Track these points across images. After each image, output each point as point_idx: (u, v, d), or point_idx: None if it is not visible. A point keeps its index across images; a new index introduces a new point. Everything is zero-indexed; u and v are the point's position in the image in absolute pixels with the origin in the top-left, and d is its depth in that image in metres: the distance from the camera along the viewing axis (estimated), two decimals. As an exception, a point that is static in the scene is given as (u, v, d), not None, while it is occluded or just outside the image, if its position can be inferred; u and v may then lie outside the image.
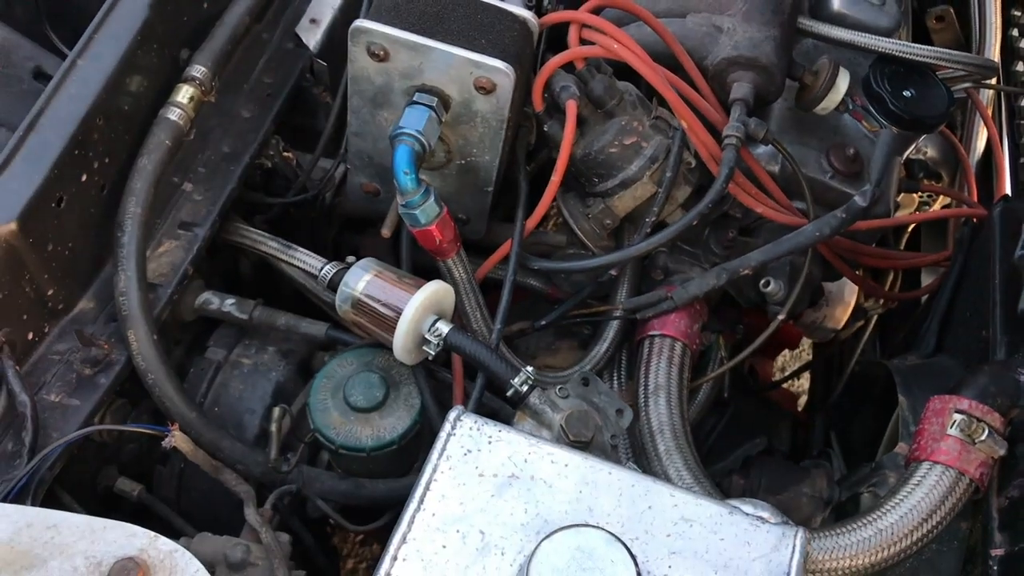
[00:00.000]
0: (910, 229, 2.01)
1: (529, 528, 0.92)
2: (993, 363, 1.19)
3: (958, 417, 1.11)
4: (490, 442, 0.98)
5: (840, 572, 1.08)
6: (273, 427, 1.17)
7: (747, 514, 0.96)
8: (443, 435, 0.98)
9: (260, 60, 1.41)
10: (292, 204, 1.44)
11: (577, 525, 0.90)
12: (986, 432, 1.10)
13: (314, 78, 1.44)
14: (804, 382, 2.10)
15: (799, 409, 1.95)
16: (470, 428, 0.99)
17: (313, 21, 1.45)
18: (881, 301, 1.88)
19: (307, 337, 1.32)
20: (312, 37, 1.44)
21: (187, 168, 1.28)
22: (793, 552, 0.93)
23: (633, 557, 0.87)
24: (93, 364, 1.10)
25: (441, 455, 0.97)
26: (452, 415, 0.99)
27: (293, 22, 1.45)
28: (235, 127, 1.34)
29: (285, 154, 1.40)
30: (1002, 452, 1.10)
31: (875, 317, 1.93)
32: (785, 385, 2.02)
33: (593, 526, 0.90)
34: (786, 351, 2.10)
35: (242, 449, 1.16)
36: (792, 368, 2.03)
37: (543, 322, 1.40)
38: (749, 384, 1.83)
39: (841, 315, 1.90)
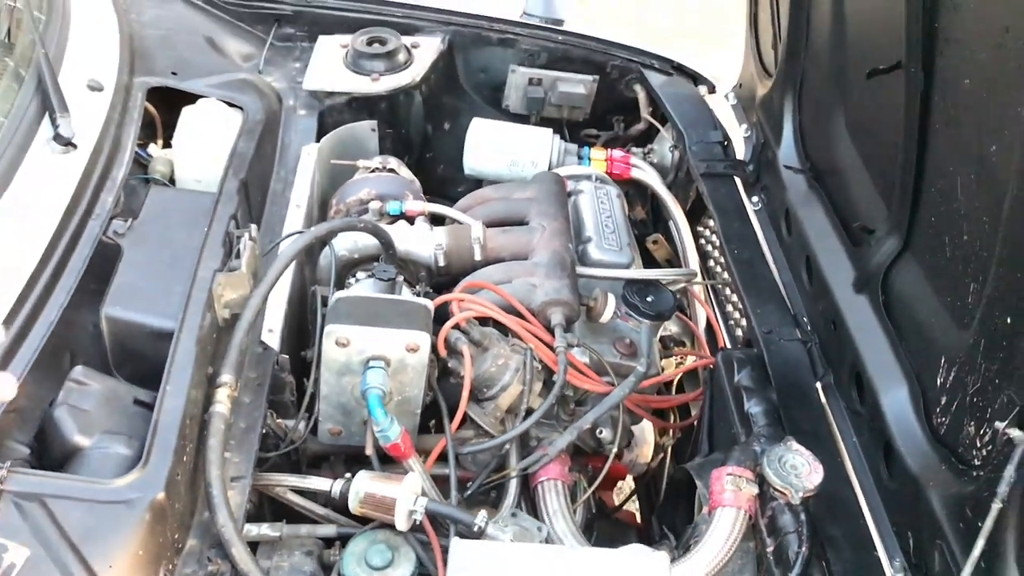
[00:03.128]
0: (676, 380, 2.92)
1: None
2: (739, 444, 2.03)
3: (728, 477, 1.91)
4: (481, 552, 1.67)
5: (689, 585, 1.82)
6: (334, 584, 1.79)
7: (635, 553, 1.70)
8: (452, 553, 1.66)
9: (245, 361, 2.09)
10: (280, 455, 2.09)
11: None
12: (745, 482, 1.91)
13: (279, 367, 2.13)
14: (636, 503, 2.90)
15: (639, 521, 2.72)
16: (466, 546, 1.68)
17: (271, 331, 2.16)
18: (671, 436, 2.74)
19: (323, 537, 1.95)
20: (273, 341, 2.14)
21: (227, 444, 1.93)
22: (663, 565, 1.67)
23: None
24: (212, 576, 1.70)
25: (453, 563, 1.64)
26: (454, 543, 1.68)
27: (258, 333, 2.15)
28: (243, 410, 1.99)
29: (278, 421, 2.06)
30: (756, 491, 1.91)
31: (670, 448, 2.78)
32: (626, 507, 2.80)
33: None
34: (621, 483, 2.90)
35: (312, 611, 1.77)
36: (625, 494, 2.82)
37: (470, 491, 2.10)
38: (603, 510, 2.59)
39: (647, 452, 2.73)
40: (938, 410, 1.84)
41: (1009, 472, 1.46)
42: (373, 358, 1.95)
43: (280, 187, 2.56)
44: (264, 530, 1.93)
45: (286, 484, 1.96)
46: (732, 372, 2.21)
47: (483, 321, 2.14)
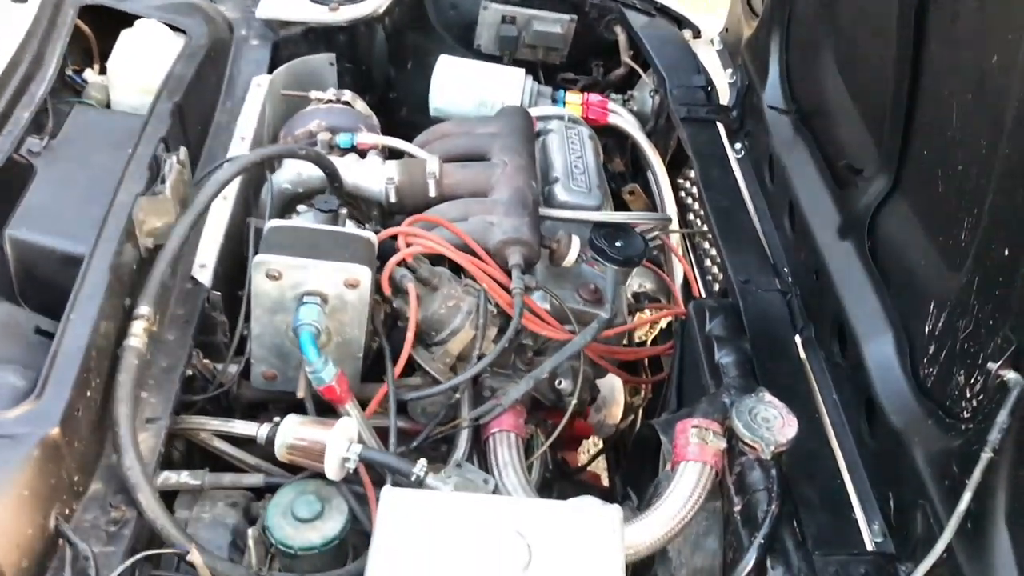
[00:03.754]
0: (651, 338, 2.75)
1: (462, 543, 1.44)
2: (708, 395, 1.87)
3: (693, 430, 1.75)
4: (415, 501, 1.50)
5: (645, 544, 1.65)
6: (250, 542, 1.62)
7: (585, 505, 1.53)
8: (382, 503, 1.49)
9: (171, 298, 1.92)
10: (208, 399, 1.92)
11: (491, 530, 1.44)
12: (712, 435, 1.74)
13: (211, 305, 1.96)
14: (603, 466, 2.73)
15: (604, 484, 2.56)
16: (398, 495, 1.51)
17: (202, 266, 1.98)
18: (643, 395, 2.58)
19: (249, 487, 1.79)
20: (204, 276, 1.96)
21: (142, 382, 1.75)
22: (615, 519, 1.51)
23: (528, 543, 1.42)
24: (115, 523, 1.52)
25: (384, 516, 1.47)
26: (384, 491, 1.51)
27: (188, 268, 1.97)
28: (165, 348, 1.83)
29: (204, 362, 1.89)
30: (724, 445, 1.74)
31: (641, 409, 2.62)
32: (591, 469, 2.64)
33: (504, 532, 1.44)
34: (586, 442, 2.73)
35: (231, 566, 1.60)
36: (591, 455, 2.66)
37: (415, 443, 1.94)
38: (564, 471, 2.43)
39: (616, 412, 2.57)
40: (925, 360, 1.68)
41: (1002, 418, 1.30)
42: (308, 293, 1.78)
43: (225, 119, 2.38)
44: (184, 478, 1.76)
45: (208, 428, 1.80)
46: (704, 321, 2.04)
47: (435, 260, 1.97)
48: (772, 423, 1.70)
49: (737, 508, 1.72)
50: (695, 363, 2.05)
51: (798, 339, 2.08)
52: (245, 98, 2.40)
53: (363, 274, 1.77)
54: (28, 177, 1.81)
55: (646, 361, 2.65)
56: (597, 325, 1.94)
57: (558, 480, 2.29)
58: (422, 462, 1.68)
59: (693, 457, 1.72)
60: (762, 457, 1.68)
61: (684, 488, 1.70)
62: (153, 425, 1.71)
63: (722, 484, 1.78)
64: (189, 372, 1.88)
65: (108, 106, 2.28)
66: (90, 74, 2.35)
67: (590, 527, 1.50)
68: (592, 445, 2.79)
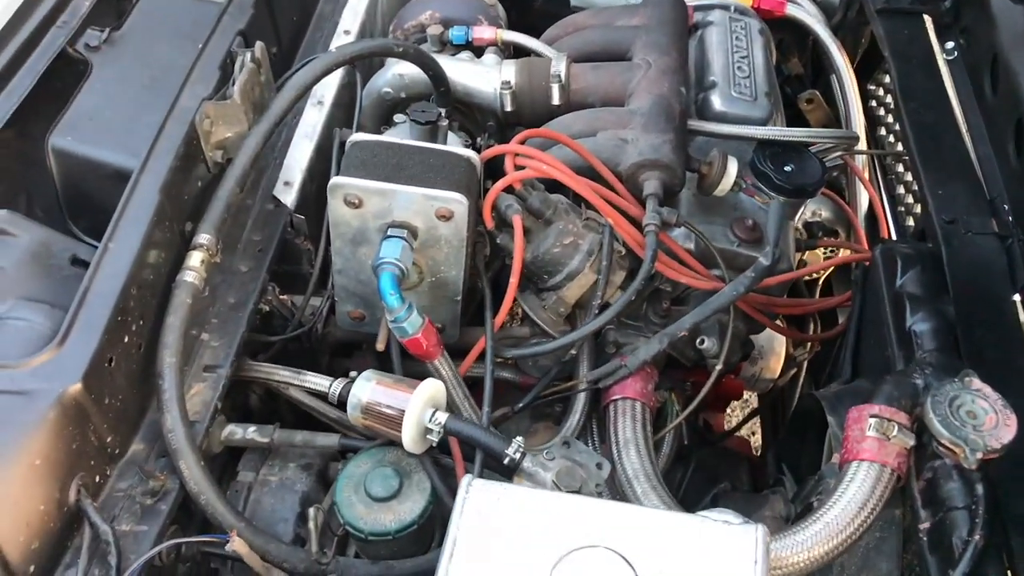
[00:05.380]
0: (822, 281, 2.31)
1: (544, 560, 1.13)
2: (894, 374, 1.45)
3: (872, 420, 1.35)
4: (499, 498, 1.19)
5: (800, 564, 1.29)
6: (311, 525, 1.36)
7: (715, 520, 1.18)
8: (459, 500, 1.19)
9: (248, 222, 1.65)
10: (289, 339, 1.66)
11: (584, 547, 1.11)
12: (896, 428, 1.34)
13: (295, 230, 1.68)
14: (756, 429, 2.34)
15: (755, 452, 2.18)
16: (481, 489, 1.20)
17: (287, 184, 1.70)
18: (808, 347, 2.16)
19: (323, 449, 1.53)
20: (288, 197, 1.68)
21: (203, 321, 1.50)
22: (756, 543, 1.15)
23: (632, 566, 1.09)
24: (153, 495, 1.29)
25: (461, 516, 1.18)
26: (464, 482, 1.20)
27: (270, 186, 1.69)
28: (236, 281, 1.57)
29: (281, 297, 1.63)
30: (912, 443, 1.34)
31: (805, 363, 2.20)
32: (740, 433, 2.26)
33: (597, 546, 1.11)
34: (736, 403, 2.34)
35: (287, 550, 1.35)
36: (742, 417, 2.27)
37: (521, 405, 1.62)
38: (706, 437, 2.06)
39: (775, 366, 2.16)
40: None
41: None
42: (393, 225, 1.46)
43: (330, 8, 2.07)
44: (251, 434, 1.51)
45: (274, 379, 1.53)
46: (893, 273, 1.60)
47: (552, 187, 1.60)
48: (980, 420, 1.29)
49: (924, 526, 1.33)
50: (879, 324, 1.62)
51: (1017, 299, 1.61)
52: (353, -15, 2.07)
53: (458, 204, 1.44)
54: (82, 77, 1.55)
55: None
56: (754, 274, 1.53)
57: (698, 447, 1.93)
58: (518, 441, 1.37)
59: (869, 456, 1.33)
60: (965, 465, 1.27)
61: (854, 496, 1.32)
62: (212, 374, 1.46)
63: (904, 491, 1.38)
64: (265, 308, 1.62)
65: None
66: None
67: (720, 552, 1.15)
68: (742, 405, 2.40)
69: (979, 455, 1.26)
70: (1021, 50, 1.82)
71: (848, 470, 1.35)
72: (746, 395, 2.30)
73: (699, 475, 1.87)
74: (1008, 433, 1.27)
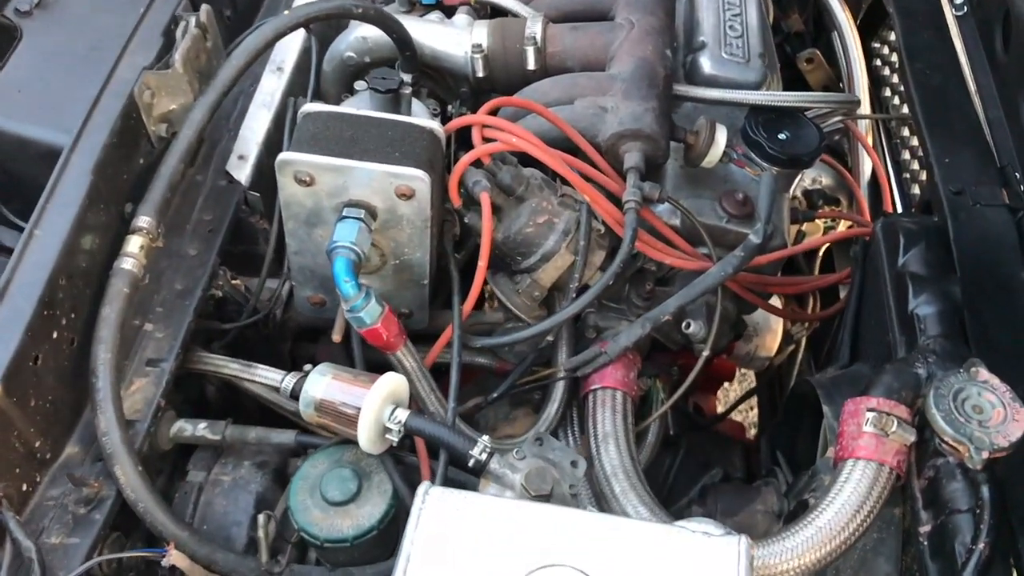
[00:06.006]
0: (822, 252, 2.18)
1: (504, 578, 1.03)
2: (894, 362, 1.33)
3: (870, 415, 1.24)
4: (458, 508, 1.09)
5: (791, 572, 1.19)
6: (260, 533, 1.26)
7: (693, 531, 1.07)
8: (415, 511, 1.09)
9: (198, 200, 1.53)
10: (246, 326, 1.55)
11: (548, 566, 1.01)
12: (896, 424, 1.23)
13: (249, 208, 1.56)
14: (754, 410, 2.23)
15: (750, 434, 2.07)
16: (438, 499, 1.10)
17: (241, 157, 1.58)
18: (806, 323, 2.04)
19: (278, 447, 1.42)
20: (242, 172, 1.56)
21: (146, 310, 1.39)
22: (739, 557, 1.05)
23: (598, 587, 0.99)
24: (86, 503, 1.19)
25: (416, 529, 1.07)
26: (421, 491, 1.10)
27: (222, 161, 1.57)
28: (184, 265, 1.46)
29: (234, 282, 1.51)
30: (913, 439, 1.23)
31: (804, 339, 2.09)
32: (735, 415, 2.15)
33: (560, 565, 1.01)
34: (731, 384, 2.23)
35: (235, 559, 1.25)
36: (739, 395, 2.16)
37: (495, 395, 1.51)
38: (697, 421, 1.96)
39: (771, 343, 2.05)
40: None
41: None
42: (349, 204, 1.34)
43: (293, -35, 1.92)
44: (201, 430, 1.41)
45: (224, 372, 1.42)
46: (895, 250, 1.48)
47: (526, 160, 1.48)
48: (987, 415, 1.19)
49: (925, 530, 1.22)
50: (880, 305, 1.50)
51: (1028, 277, 1.49)
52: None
53: (419, 181, 1.31)
54: (11, 45, 1.43)
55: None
56: (743, 253, 1.41)
57: (688, 432, 1.82)
58: (484, 441, 1.26)
59: (866, 454, 1.22)
60: (969, 464, 1.16)
61: (849, 498, 1.21)
62: (155, 368, 1.35)
63: (905, 489, 1.27)
64: (218, 294, 1.51)
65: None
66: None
67: (699, 566, 1.04)
68: (740, 379, 2.29)
69: (985, 454, 1.15)
70: (1036, 4, 1.68)
71: (843, 469, 1.24)
72: (743, 372, 2.19)
73: (690, 461, 1.77)
74: (1017, 429, 1.16)
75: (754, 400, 2.21)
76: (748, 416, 2.22)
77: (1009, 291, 1.44)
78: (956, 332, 1.36)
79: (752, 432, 2.13)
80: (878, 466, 1.22)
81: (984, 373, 1.22)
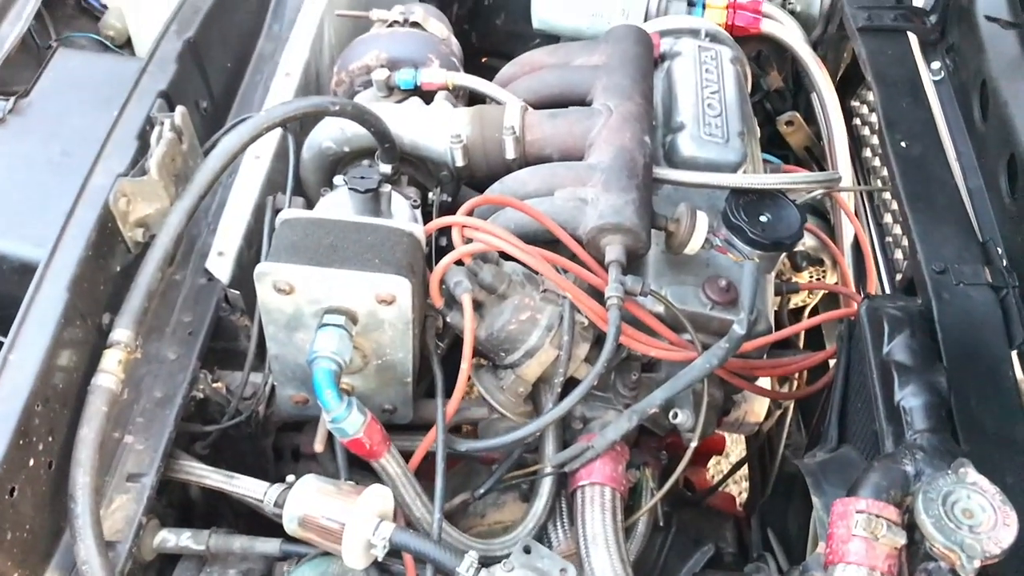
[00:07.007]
0: (807, 314, 2.18)
1: None
2: (881, 459, 1.32)
3: (859, 517, 1.22)
4: (445, 639, 1.08)
5: None
6: (244, 654, 1.24)
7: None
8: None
9: (178, 300, 1.51)
10: (228, 428, 1.53)
11: None
12: (885, 527, 1.21)
13: (230, 307, 1.55)
14: (746, 481, 2.22)
15: (739, 507, 2.06)
16: (425, 629, 1.08)
17: (220, 254, 1.56)
18: (795, 384, 2.03)
19: (263, 555, 1.40)
20: (222, 269, 1.55)
21: (126, 421, 1.37)
22: None
23: None
24: (67, 633, 1.17)
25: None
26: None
27: (202, 258, 1.56)
28: (164, 370, 1.44)
29: (215, 384, 1.49)
30: (903, 542, 1.22)
31: (791, 404, 2.08)
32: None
33: None
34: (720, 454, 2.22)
35: None
36: (728, 468, 2.15)
37: (482, 491, 1.50)
38: (687, 498, 1.94)
39: (760, 409, 2.03)
40: None
41: None
42: (329, 311, 1.33)
43: (271, 48, 1.93)
44: (185, 540, 1.39)
45: (207, 483, 1.40)
46: (880, 337, 1.47)
47: (507, 255, 1.47)
48: (978, 520, 1.17)
49: (917, 636, 1.20)
50: (866, 388, 1.49)
51: (1016, 359, 1.48)
52: (296, 21, 1.93)
53: (400, 288, 1.30)
54: (-16, 153, 1.42)
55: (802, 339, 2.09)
56: (728, 344, 1.40)
57: (679, 508, 1.81)
58: (471, 557, 1.24)
59: (856, 560, 1.21)
60: (961, 573, 1.15)
61: (841, 607, 1.19)
62: (136, 484, 1.33)
63: (898, 593, 1.26)
64: (199, 396, 1.49)
65: (129, 41, 1.85)
66: (114, -2, 1.92)
67: None
68: (725, 456, 2.28)
69: (977, 563, 1.14)
70: (1011, 78, 1.69)
71: (834, 572, 1.23)
72: (735, 439, 2.18)
73: (681, 538, 1.75)
74: (1008, 535, 1.15)
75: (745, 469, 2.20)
76: (740, 484, 2.21)
77: (995, 376, 1.44)
78: (943, 426, 1.35)
79: (743, 497, 2.11)
80: (869, 572, 1.20)
81: (972, 474, 1.20)
